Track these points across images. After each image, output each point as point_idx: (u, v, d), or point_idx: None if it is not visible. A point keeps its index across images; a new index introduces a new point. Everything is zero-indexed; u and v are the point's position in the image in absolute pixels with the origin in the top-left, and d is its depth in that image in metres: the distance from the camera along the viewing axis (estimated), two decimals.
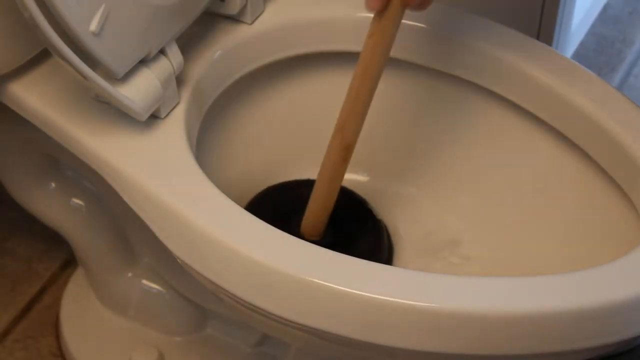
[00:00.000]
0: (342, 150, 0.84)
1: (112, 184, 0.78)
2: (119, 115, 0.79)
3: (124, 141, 0.79)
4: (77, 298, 1.13)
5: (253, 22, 0.91)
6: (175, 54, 0.81)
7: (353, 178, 0.98)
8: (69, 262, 1.20)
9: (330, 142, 0.85)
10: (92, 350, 1.08)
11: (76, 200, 1.01)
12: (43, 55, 0.83)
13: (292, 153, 1.00)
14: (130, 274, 1.07)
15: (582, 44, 1.54)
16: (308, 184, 0.90)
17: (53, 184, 0.99)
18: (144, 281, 1.07)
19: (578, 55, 1.51)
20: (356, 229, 0.94)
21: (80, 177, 0.99)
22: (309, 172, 0.94)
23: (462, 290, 0.68)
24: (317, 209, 0.88)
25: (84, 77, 0.73)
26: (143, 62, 0.79)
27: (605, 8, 1.61)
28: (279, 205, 0.96)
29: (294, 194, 0.95)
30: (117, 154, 0.78)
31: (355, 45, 0.90)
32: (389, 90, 0.92)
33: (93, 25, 0.71)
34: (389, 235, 0.97)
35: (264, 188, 0.97)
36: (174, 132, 0.80)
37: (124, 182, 0.77)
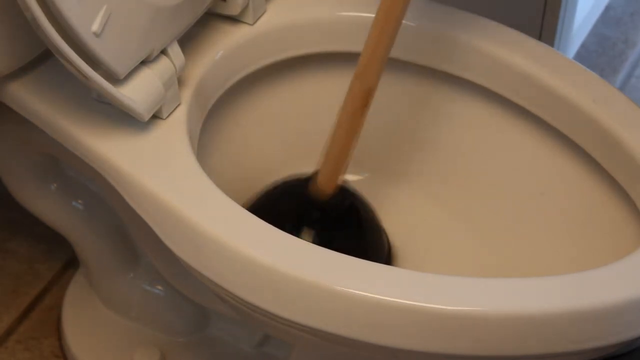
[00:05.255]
0: (363, 95, 0.82)
1: (113, 185, 0.78)
2: (120, 115, 0.79)
3: (126, 142, 0.79)
4: (79, 299, 1.13)
5: (255, 22, 0.91)
6: (177, 55, 0.81)
7: (350, 178, 0.98)
8: (71, 262, 1.20)
9: (348, 90, 0.83)
10: (94, 351, 1.08)
11: (78, 201, 1.01)
12: (45, 55, 0.83)
13: (293, 153, 1.00)
14: (132, 275, 1.07)
15: (584, 45, 1.53)
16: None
17: (54, 185, 0.99)
18: (146, 282, 1.07)
19: (579, 56, 1.51)
20: (359, 211, 0.95)
21: (81, 178, 0.99)
22: (310, 171, 0.94)
23: (463, 291, 0.68)
24: (335, 158, 0.87)
25: (86, 77, 0.73)
26: (145, 62, 0.79)
27: (607, 9, 1.61)
28: (286, 197, 0.95)
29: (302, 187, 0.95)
30: (119, 154, 0.78)
31: (356, 46, 0.90)
32: (389, 90, 0.92)
33: (95, 26, 0.71)
34: (388, 238, 0.97)
35: (270, 184, 0.97)
36: (175, 132, 0.80)
37: (125, 183, 0.77)
